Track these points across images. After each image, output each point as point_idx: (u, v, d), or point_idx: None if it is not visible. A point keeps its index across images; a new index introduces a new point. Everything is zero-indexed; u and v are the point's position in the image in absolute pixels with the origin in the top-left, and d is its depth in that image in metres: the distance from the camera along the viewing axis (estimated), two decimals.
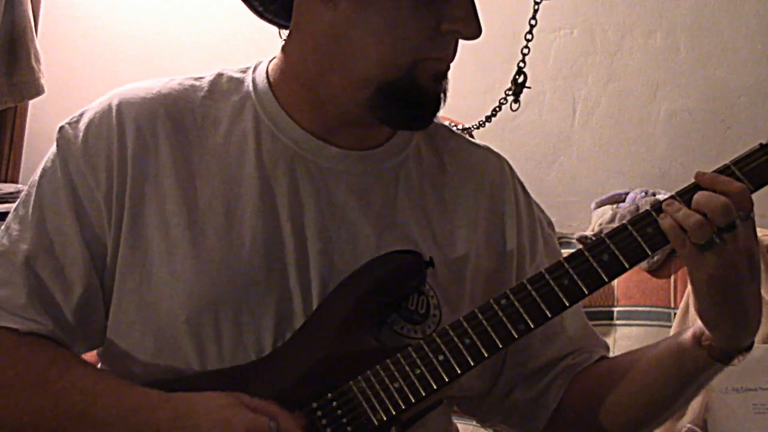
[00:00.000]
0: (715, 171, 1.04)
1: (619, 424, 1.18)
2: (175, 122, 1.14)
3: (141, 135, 1.12)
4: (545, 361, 1.23)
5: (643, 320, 2.12)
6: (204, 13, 2.76)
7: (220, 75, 1.20)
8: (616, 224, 2.34)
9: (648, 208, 1.04)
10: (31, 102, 2.65)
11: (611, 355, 1.29)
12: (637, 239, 1.03)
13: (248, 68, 1.22)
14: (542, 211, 1.31)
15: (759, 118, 2.47)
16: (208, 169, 1.12)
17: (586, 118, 2.60)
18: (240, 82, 1.19)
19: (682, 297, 2.09)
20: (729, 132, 2.50)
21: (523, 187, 1.29)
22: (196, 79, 1.19)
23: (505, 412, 1.26)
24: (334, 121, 1.15)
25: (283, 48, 1.19)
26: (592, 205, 2.39)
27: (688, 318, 2.06)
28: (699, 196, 1.01)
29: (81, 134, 1.12)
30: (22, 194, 1.15)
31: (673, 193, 1.04)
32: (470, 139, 1.32)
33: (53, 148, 1.14)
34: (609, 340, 1.96)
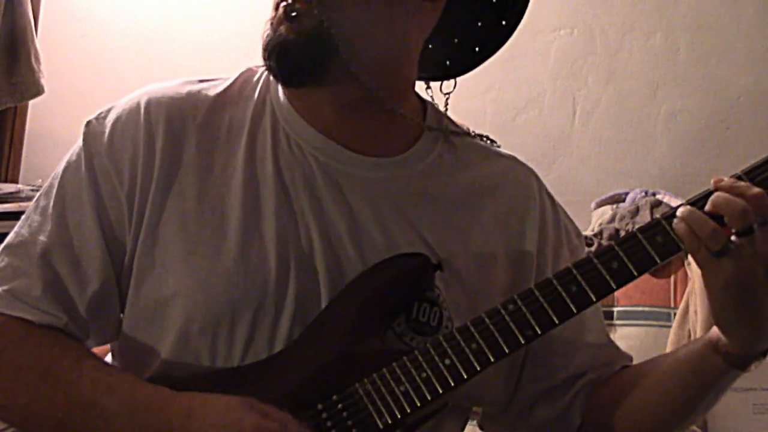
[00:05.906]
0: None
1: None
2: (202, 123, 1.14)
3: (169, 135, 1.12)
4: (567, 377, 1.21)
5: (643, 320, 2.13)
6: (204, 13, 2.76)
7: (244, 74, 1.21)
8: (615, 224, 2.37)
9: (658, 216, 1.04)
10: (31, 102, 2.64)
11: None
12: (646, 248, 1.03)
13: None
14: (571, 222, 1.28)
15: (759, 118, 2.48)
16: (231, 171, 1.12)
17: (586, 118, 2.60)
18: (261, 83, 1.19)
19: (682, 297, 2.10)
20: (729, 132, 2.50)
21: (551, 198, 1.27)
22: (222, 79, 1.20)
23: (529, 430, 1.24)
24: (338, 119, 1.15)
25: None
26: (592, 205, 2.40)
27: (687, 318, 2.06)
28: (717, 198, 1.00)
29: (107, 131, 1.12)
30: (45, 185, 1.14)
31: (684, 201, 1.03)
32: (497, 149, 1.28)
33: (79, 142, 1.14)
34: None
